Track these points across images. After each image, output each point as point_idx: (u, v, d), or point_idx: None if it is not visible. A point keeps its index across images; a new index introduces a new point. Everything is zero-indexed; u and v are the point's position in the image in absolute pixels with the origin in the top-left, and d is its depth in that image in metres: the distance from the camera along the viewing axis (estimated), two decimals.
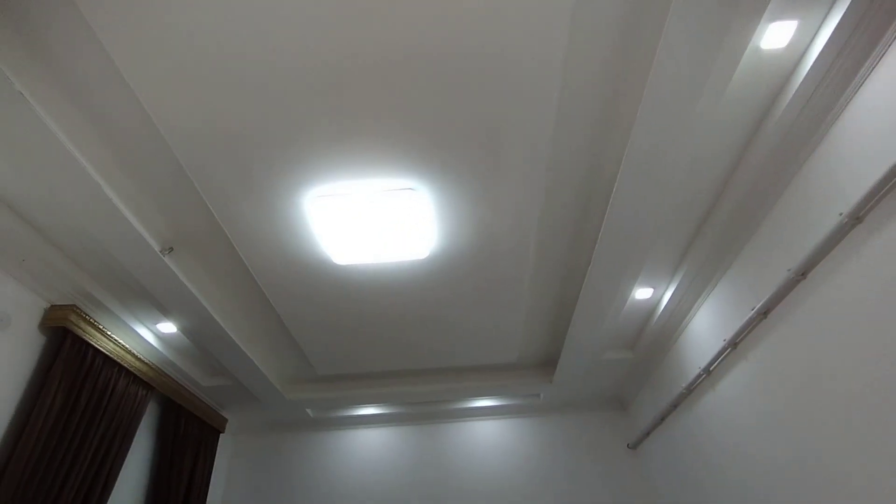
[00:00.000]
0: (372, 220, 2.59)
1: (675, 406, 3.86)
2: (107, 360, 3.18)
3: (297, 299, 3.27)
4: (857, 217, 2.02)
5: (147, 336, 3.52)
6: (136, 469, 3.75)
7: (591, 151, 2.44)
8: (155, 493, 3.76)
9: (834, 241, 2.16)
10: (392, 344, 3.84)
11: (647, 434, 4.44)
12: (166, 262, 2.77)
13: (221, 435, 4.66)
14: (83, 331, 3.00)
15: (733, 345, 3.00)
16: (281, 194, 2.53)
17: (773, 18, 1.89)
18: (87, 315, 3.03)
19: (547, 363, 4.49)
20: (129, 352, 3.37)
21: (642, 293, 3.52)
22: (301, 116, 2.14)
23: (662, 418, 4.09)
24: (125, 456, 3.21)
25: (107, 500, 3.03)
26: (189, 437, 4.07)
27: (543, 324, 3.89)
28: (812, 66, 1.99)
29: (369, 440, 5.07)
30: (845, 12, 1.81)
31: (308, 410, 4.86)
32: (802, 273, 2.38)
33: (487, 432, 5.04)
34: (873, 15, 1.80)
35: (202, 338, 3.46)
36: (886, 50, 1.84)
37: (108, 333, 3.18)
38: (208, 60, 1.93)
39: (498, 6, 1.79)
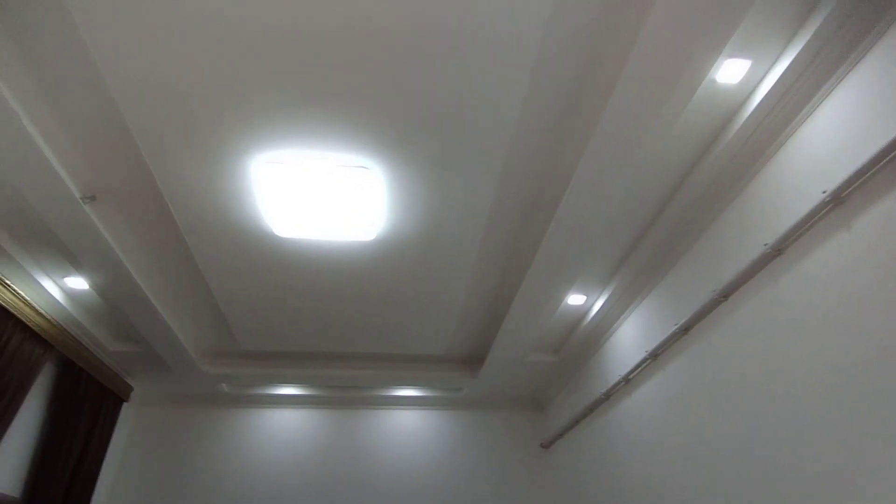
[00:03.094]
0: (321, 194, 2.50)
1: (591, 410, 4.03)
2: (2, 311, 2.86)
3: (229, 267, 3.10)
4: (779, 249, 2.20)
5: (52, 290, 3.20)
6: (22, 435, 3.40)
7: (551, 147, 2.43)
8: (42, 460, 3.44)
9: (756, 268, 2.33)
10: (322, 324, 3.74)
11: (561, 435, 4.61)
12: (86, 211, 2.54)
13: (125, 404, 4.35)
14: None
15: (654, 356, 3.18)
16: (227, 155, 2.38)
17: (731, 55, 2.00)
18: None
19: (472, 359, 4.55)
20: (29, 305, 3.06)
21: (575, 299, 3.65)
22: (255, 77, 2.03)
23: (577, 421, 4.26)
24: (11, 420, 2.90)
25: None
26: (87, 403, 3.76)
27: (475, 319, 3.93)
28: (757, 105, 2.13)
29: (285, 421, 4.92)
30: (793, 59, 1.95)
31: (223, 385, 4.64)
32: (725, 295, 2.55)
33: (407, 422, 5.05)
34: (819, 63, 1.95)
35: (116, 296, 3.21)
36: (827, 96, 2.00)
37: (7, 282, 2.86)
38: (164, 11, 1.78)
39: None
